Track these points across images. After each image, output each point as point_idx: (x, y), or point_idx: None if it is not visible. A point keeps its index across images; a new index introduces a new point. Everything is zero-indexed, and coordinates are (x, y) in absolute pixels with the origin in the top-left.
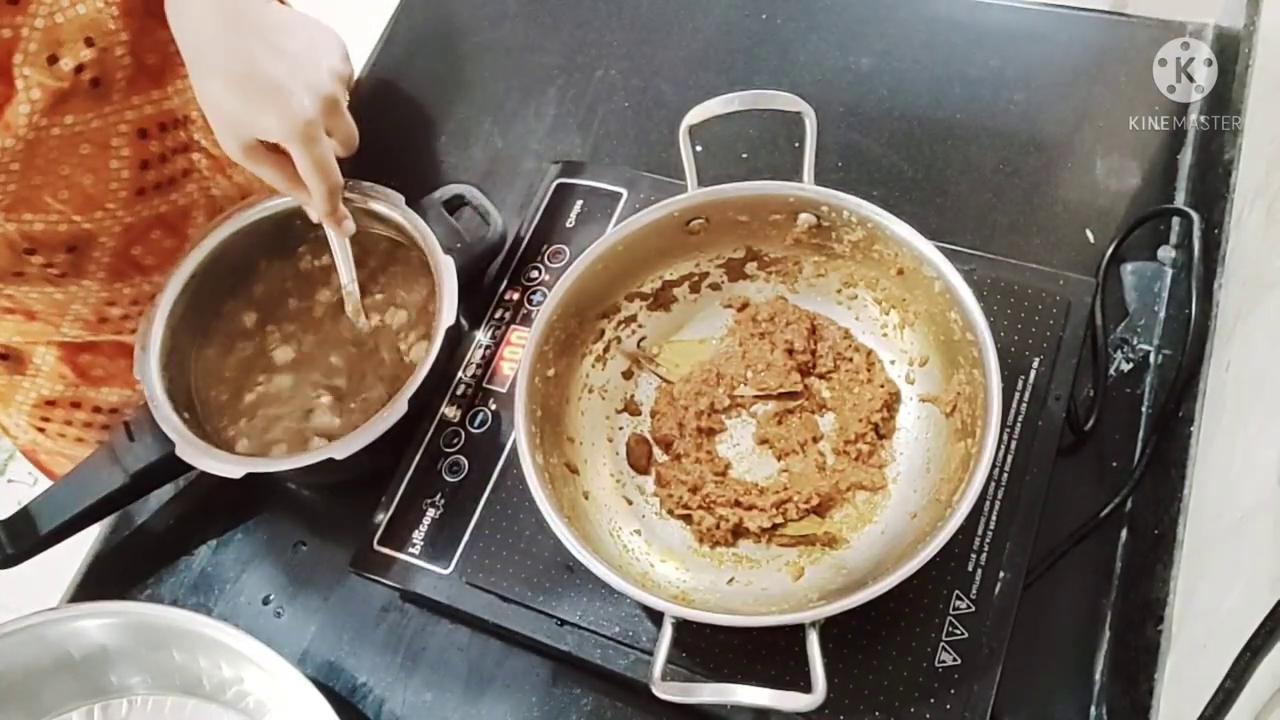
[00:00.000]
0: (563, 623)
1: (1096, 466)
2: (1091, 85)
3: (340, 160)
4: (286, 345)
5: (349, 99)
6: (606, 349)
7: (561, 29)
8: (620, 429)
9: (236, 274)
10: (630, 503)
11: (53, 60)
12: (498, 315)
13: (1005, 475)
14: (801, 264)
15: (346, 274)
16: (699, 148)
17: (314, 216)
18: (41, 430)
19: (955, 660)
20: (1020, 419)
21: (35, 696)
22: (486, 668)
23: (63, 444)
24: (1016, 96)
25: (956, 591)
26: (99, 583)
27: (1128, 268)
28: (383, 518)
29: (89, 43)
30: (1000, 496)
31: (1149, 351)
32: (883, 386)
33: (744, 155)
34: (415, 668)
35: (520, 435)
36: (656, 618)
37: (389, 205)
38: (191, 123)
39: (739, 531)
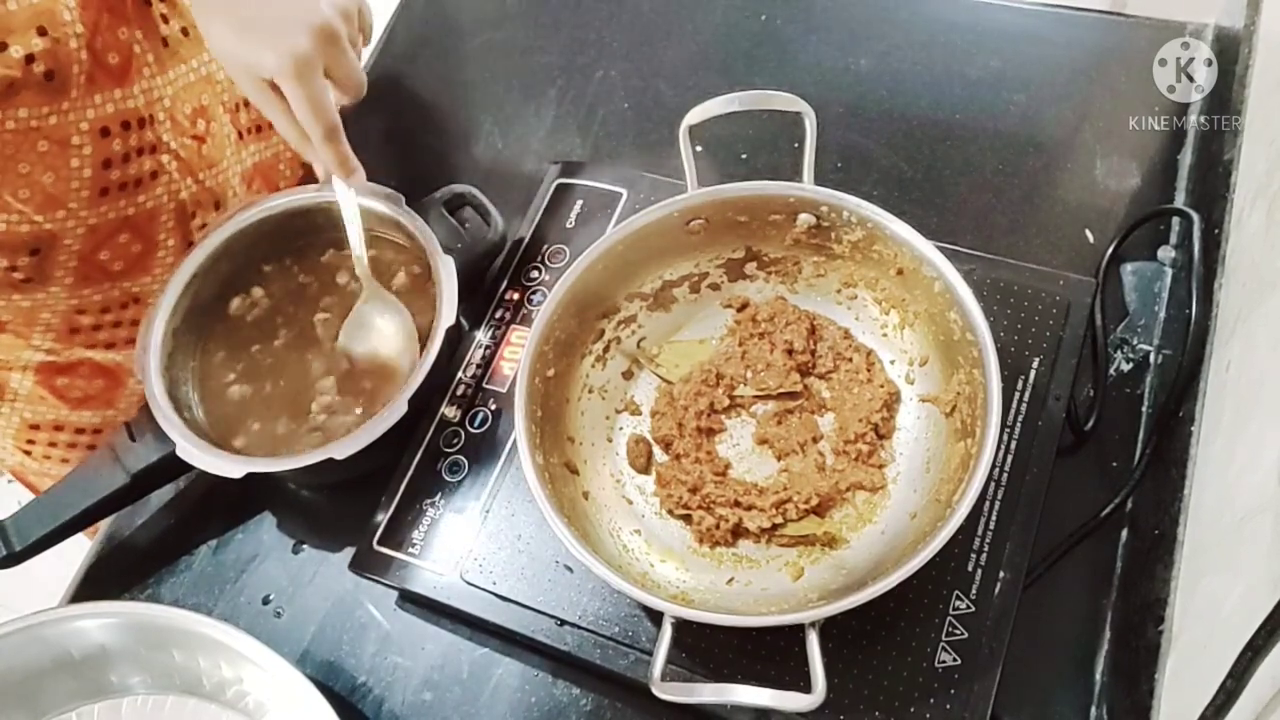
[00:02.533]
0: (563, 623)
1: (1096, 466)
2: (1091, 85)
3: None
4: (286, 345)
5: (360, 41)
6: (606, 349)
7: (561, 29)
8: (620, 429)
9: (237, 274)
10: (630, 503)
11: (2, 47)
12: (498, 315)
13: (1005, 475)
14: (801, 264)
15: (355, 234)
16: (699, 148)
17: (320, 171)
18: (27, 453)
19: (955, 660)
20: (1020, 419)
21: (35, 696)
22: (486, 667)
23: (49, 465)
24: (1016, 97)
25: (956, 591)
26: (99, 583)
27: (1128, 268)
28: (382, 518)
29: (41, 32)
30: (1000, 496)
31: (1149, 351)
32: (882, 386)
33: (744, 155)
34: (415, 668)
35: (520, 435)
36: (656, 618)
37: (389, 205)
38: (158, 123)
39: (739, 531)
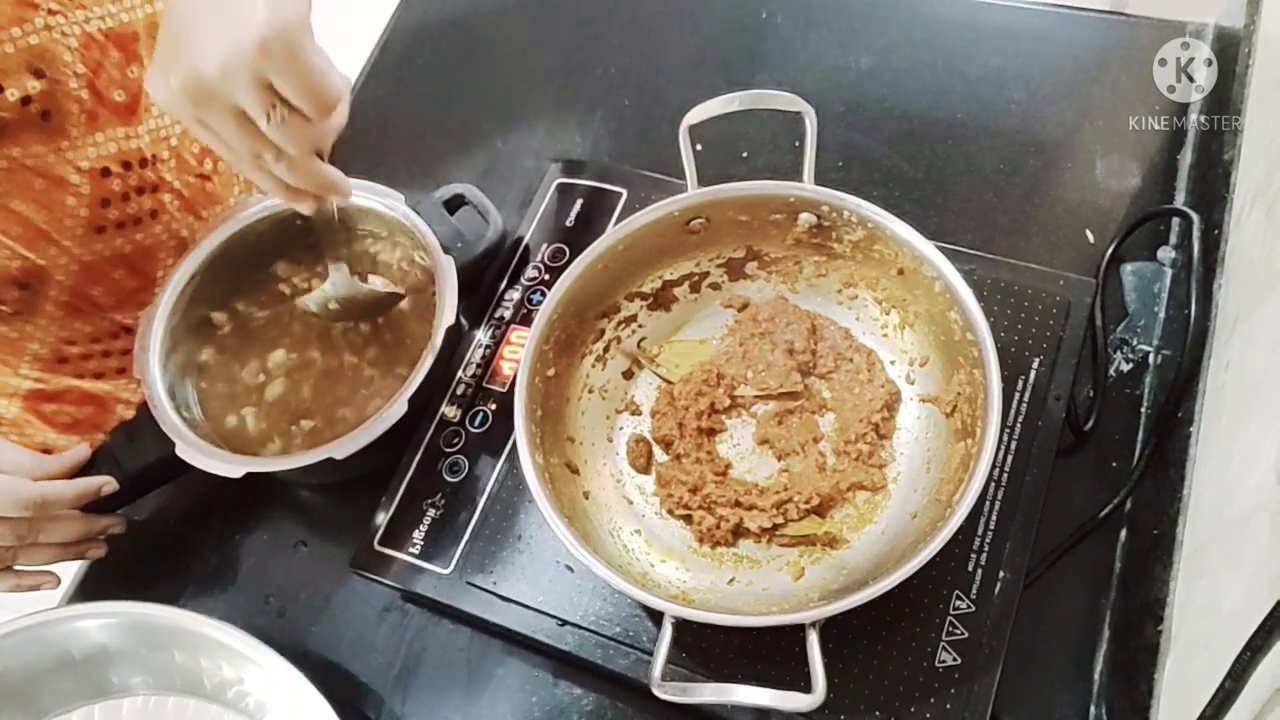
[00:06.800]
0: (563, 623)
1: (1096, 466)
2: (1091, 85)
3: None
4: (285, 344)
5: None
6: (606, 349)
7: (561, 28)
8: (620, 429)
9: (236, 274)
10: (630, 503)
11: None
12: (498, 315)
13: (1005, 475)
14: (802, 264)
15: (330, 251)
16: (699, 147)
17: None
18: None
19: (955, 660)
20: (1020, 419)
21: (35, 696)
22: (486, 668)
23: None
24: (1017, 96)
25: (956, 591)
26: (99, 583)
27: (1128, 268)
28: (383, 518)
29: (38, 74)
30: (1000, 496)
31: (1149, 352)
32: (883, 386)
33: (744, 155)
34: (415, 668)
35: (520, 435)
36: (656, 618)
37: (389, 205)
38: (161, 162)
39: (739, 531)
